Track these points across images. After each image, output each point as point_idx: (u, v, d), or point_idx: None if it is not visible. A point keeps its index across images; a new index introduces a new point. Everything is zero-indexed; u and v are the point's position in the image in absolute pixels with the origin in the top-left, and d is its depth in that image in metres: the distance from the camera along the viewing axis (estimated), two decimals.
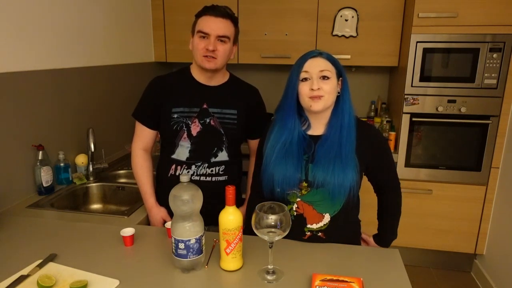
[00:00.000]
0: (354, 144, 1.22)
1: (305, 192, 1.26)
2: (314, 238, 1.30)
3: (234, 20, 1.47)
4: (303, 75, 1.20)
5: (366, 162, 1.27)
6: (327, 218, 1.27)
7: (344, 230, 1.31)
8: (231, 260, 1.14)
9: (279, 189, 1.26)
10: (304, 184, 1.25)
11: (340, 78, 1.24)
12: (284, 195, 1.27)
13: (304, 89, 1.21)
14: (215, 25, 1.41)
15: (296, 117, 1.25)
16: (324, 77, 1.19)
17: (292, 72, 1.23)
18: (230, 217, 1.11)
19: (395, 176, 1.38)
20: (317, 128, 1.28)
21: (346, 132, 1.22)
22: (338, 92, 1.24)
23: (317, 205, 1.26)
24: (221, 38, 1.42)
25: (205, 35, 1.42)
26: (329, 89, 1.19)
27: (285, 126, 1.26)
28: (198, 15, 1.46)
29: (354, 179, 1.21)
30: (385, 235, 1.42)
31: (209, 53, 1.42)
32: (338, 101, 1.25)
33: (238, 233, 1.12)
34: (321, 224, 1.28)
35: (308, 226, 1.28)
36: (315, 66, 1.19)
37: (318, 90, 1.18)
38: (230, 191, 1.10)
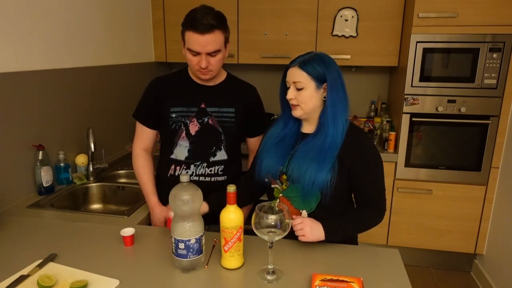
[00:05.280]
0: (338, 150, 1.23)
1: (285, 187, 1.30)
2: (294, 235, 1.30)
3: (222, 26, 1.39)
4: (286, 82, 1.28)
5: (349, 168, 1.25)
6: (304, 214, 1.30)
7: None
8: (229, 258, 1.15)
9: (266, 178, 1.33)
10: (284, 177, 1.29)
11: (325, 84, 1.23)
12: (269, 185, 1.34)
13: (287, 96, 1.27)
14: (203, 43, 1.36)
15: (291, 115, 1.31)
16: (298, 88, 1.23)
17: (281, 77, 1.31)
18: (231, 216, 1.11)
19: (378, 194, 1.29)
20: (307, 127, 1.33)
21: (331, 139, 1.23)
22: (324, 97, 1.25)
23: (293, 201, 1.30)
24: (211, 54, 1.40)
25: (195, 53, 1.39)
26: (302, 99, 1.23)
27: (285, 120, 1.34)
28: (185, 27, 1.39)
29: (327, 179, 1.21)
30: (335, 223, 1.25)
31: (203, 69, 1.43)
32: (325, 105, 1.26)
33: (237, 232, 1.12)
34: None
35: (287, 221, 1.29)
36: (291, 76, 1.24)
37: (292, 99, 1.25)
38: (232, 190, 1.10)
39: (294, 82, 1.23)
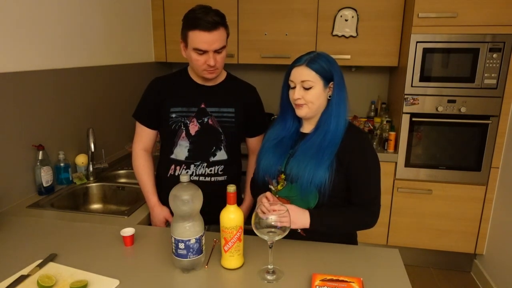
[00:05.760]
0: (336, 148, 1.23)
1: (281, 188, 1.29)
2: (294, 234, 1.31)
3: (224, 23, 1.41)
4: (290, 83, 1.26)
5: (346, 167, 1.24)
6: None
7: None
8: (229, 258, 1.15)
9: (265, 178, 1.33)
10: (282, 176, 1.29)
11: (332, 82, 1.24)
12: (267, 185, 1.33)
13: (291, 96, 1.27)
14: (210, 41, 1.36)
15: (294, 115, 1.31)
16: (306, 87, 1.22)
17: (284, 77, 1.29)
18: (231, 216, 1.11)
19: (371, 197, 1.27)
20: (307, 127, 1.32)
21: (330, 137, 1.23)
22: (330, 96, 1.25)
23: (293, 200, 1.28)
24: (218, 50, 1.41)
25: (202, 52, 1.39)
26: (310, 98, 1.22)
27: (283, 122, 1.34)
28: (188, 27, 1.39)
29: (325, 177, 1.21)
30: (323, 213, 1.24)
31: (210, 68, 1.42)
32: (329, 104, 1.26)
33: (237, 232, 1.12)
34: None
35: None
36: (298, 76, 1.22)
37: (299, 99, 1.23)
38: (232, 190, 1.10)
39: (302, 81, 1.21)
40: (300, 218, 1.20)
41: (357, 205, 1.28)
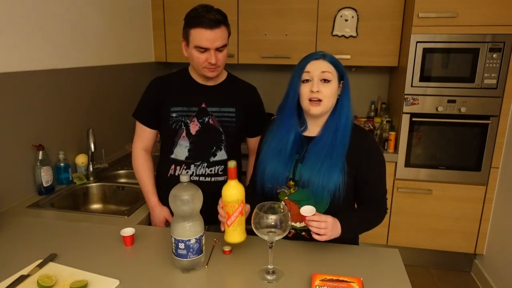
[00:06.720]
0: (346, 147, 1.22)
1: (293, 191, 1.28)
2: (298, 237, 1.31)
3: (226, 21, 1.42)
4: (304, 75, 1.21)
5: (356, 168, 1.24)
6: (310, 210, 1.25)
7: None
8: (232, 233, 1.15)
9: (270, 185, 1.29)
10: (291, 182, 1.27)
11: (342, 81, 1.24)
12: (274, 191, 1.30)
13: (304, 91, 1.21)
14: (212, 38, 1.37)
15: (296, 118, 1.28)
16: (325, 80, 1.19)
17: (294, 73, 1.24)
18: (233, 191, 1.11)
19: (381, 195, 1.30)
20: (313, 129, 1.29)
21: (341, 135, 1.22)
22: (338, 95, 1.24)
23: (302, 204, 1.25)
24: (220, 49, 1.42)
25: (203, 50, 1.40)
26: (328, 93, 1.19)
27: (284, 126, 1.28)
28: (190, 25, 1.39)
29: (340, 181, 1.20)
30: (350, 220, 1.23)
31: (211, 66, 1.42)
32: (336, 104, 1.25)
33: (238, 206, 1.12)
34: (304, 223, 1.26)
35: (291, 223, 1.28)
36: (317, 68, 1.19)
37: (318, 93, 1.18)
38: (232, 165, 1.11)
39: (322, 72, 1.18)
40: (335, 231, 1.16)
41: (370, 203, 1.29)
